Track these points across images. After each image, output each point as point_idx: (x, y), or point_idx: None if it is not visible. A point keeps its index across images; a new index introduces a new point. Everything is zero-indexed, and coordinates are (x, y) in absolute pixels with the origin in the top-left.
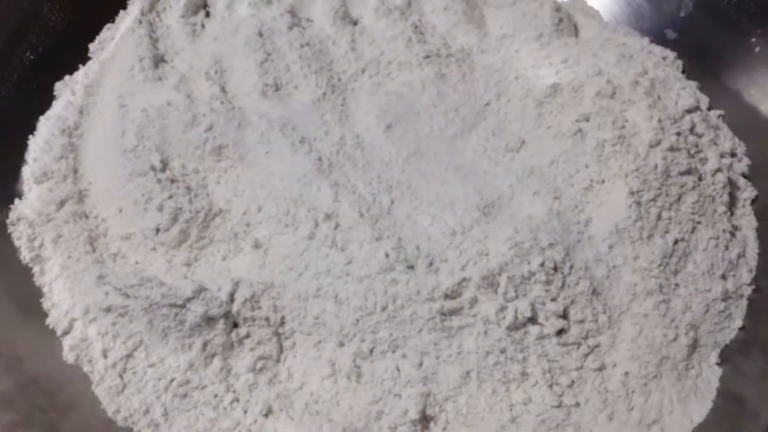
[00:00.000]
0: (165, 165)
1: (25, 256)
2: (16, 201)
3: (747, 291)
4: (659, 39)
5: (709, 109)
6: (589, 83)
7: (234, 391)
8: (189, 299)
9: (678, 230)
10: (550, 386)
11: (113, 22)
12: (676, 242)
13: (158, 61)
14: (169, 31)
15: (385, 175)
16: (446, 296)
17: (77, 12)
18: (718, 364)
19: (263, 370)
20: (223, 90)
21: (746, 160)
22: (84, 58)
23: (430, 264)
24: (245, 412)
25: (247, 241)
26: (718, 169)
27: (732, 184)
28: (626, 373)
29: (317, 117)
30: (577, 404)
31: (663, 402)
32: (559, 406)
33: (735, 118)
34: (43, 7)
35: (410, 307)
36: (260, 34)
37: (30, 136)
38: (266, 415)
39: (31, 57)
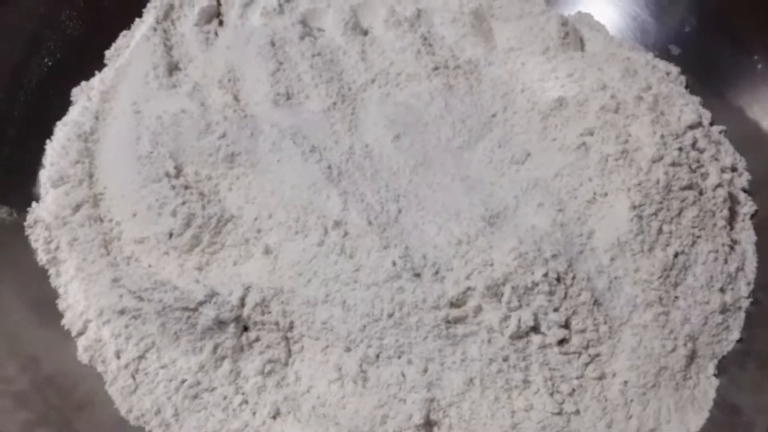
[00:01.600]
0: (179, 171)
1: (42, 258)
2: (34, 204)
3: (745, 304)
4: (664, 54)
5: (712, 124)
6: (594, 98)
7: (243, 393)
8: (201, 303)
9: (678, 244)
10: (551, 394)
11: (129, 29)
12: (676, 255)
13: (172, 68)
14: (183, 40)
15: (393, 184)
16: (451, 305)
17: (94, 19)
18: (715, 375)
19: (272, 373)
20: (235, 98)
21: (747, 175)
22: (100, 65)
23: (436, 273)
24: (253, 413)
25: (258, 246)
26: (719, 185)
27: (732, 199)
28: (625, 383)
29: (327, 126)
30: (577, 412)
31: (661, 411)
32: (560, 413)
33: (737, 134)
34: (61, 14)
35: (416, 315)
36: (272, 44)
37: (47, 141)
38: (274, 417)
39: (49, 63)
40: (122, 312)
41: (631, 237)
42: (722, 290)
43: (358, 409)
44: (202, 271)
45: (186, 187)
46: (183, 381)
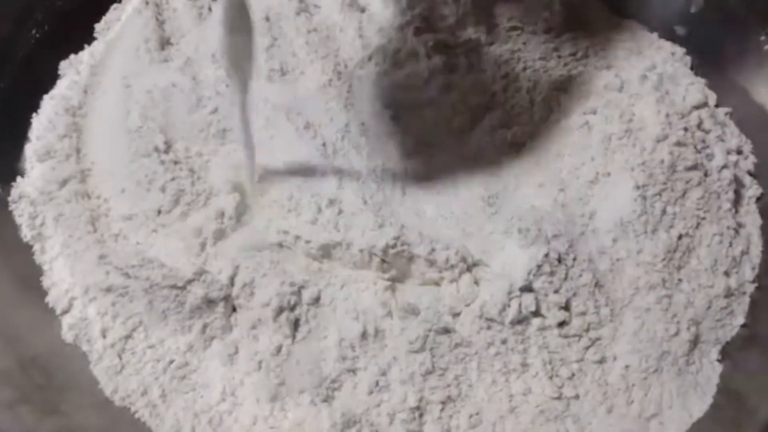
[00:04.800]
0: (169, 147)
1: (26, 234)
2: (19, 179)
3: (749, 288)
4: (668, 35)
5: (717, 106)
6: (597, 77)
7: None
8: (189, 281)
9: (682, 225)
10: (551, 378)
11: (120, 2)
12: (680, 237)
13: (164, 43)
14: (175, 14)
15: (390, 163)
16: None
17: None
18: (718, 360)
19: None
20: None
21: (752, 158)
22: (90, 38)
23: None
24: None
25: None
26: (725, 166)
27: (737, 182)
28: (627, 367)
29: (322, 103)
30: (577, 396)
31: (663, 396)
32: (559, 397)
33: (742, 116)
34: None
35: None
36: (267, 19)
37: (34, 115)
38: None
39: (37, 35)
40: (109, 289)
41: (634, 218)
42: (727, 274)
43: (352, 392)
44: None
45: (176, 163)
46: (171, 361)
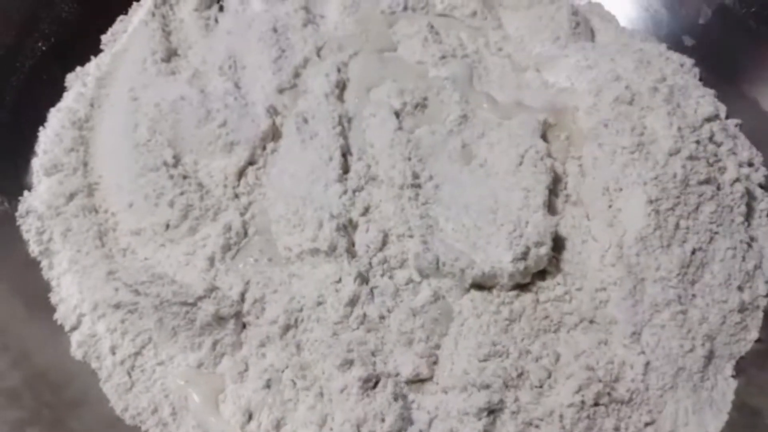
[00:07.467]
0: (177, 160)
1: (34, 249)
2: (26, 193)
3: (763, 302)
4: (677, 45)
5: (727, 117)
6: (608, 88)
7: None
8: (200, 298)
9: (696, 240)
10: None
11: (126, 13)
12: (693, 252)
13: (171, 54)
14: (182, 25)
15: (398, 174)
16: None
17: (90, 2)
18: (733, 376)
19: None
20: (236, 86)
21: (763, 170)
22: (96, 50)
23: (443, 265)
24: None
25: None
26: (737, 179)
27: (749, 195)
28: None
29: (330, 114)
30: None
31: (678, 413)
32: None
33: (751, 127)
34: None
35: None
36: (275, 30)
37: (40, 128)
38: None
39: (43, 47)
40: (118, 306)
41: (648, 233)
42: (740, 288)
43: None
44: None
45: (184, 177)
46: None
